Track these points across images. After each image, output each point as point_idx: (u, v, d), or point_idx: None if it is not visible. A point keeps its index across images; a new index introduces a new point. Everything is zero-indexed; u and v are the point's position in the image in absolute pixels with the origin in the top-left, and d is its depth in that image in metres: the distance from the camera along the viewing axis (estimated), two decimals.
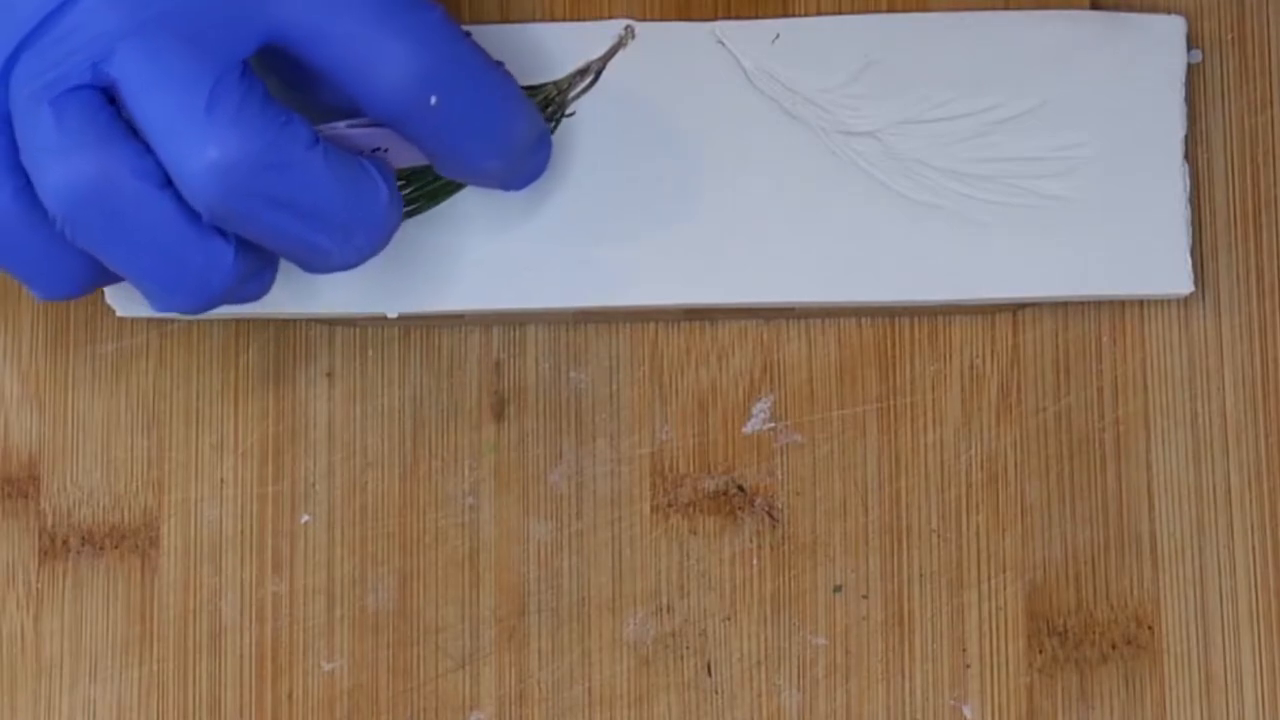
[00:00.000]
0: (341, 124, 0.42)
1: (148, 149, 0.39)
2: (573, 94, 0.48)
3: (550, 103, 0.47)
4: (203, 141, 0.38)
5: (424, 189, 0.47)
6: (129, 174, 0.39)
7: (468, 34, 0.42)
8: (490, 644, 0.48)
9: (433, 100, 0.41)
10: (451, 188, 0.47)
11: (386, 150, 0.43)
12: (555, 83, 0.48)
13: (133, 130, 0.39)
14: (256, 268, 0.42)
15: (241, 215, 0.39)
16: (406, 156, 0.43)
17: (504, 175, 0.45)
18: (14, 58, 0.39)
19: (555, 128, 0.48)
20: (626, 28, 0.48)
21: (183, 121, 0.38)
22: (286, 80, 0.43)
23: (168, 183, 0.39)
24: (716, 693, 0.48)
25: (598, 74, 0.48)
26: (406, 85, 0.40)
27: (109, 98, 0.39)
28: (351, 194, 0.41)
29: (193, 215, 0.39)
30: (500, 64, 0.43)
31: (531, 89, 0.47)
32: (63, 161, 0.38)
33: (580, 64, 0.48)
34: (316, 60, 0.40)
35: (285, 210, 0.39)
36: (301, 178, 0.39)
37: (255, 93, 0.39)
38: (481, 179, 0.44)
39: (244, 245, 0.41)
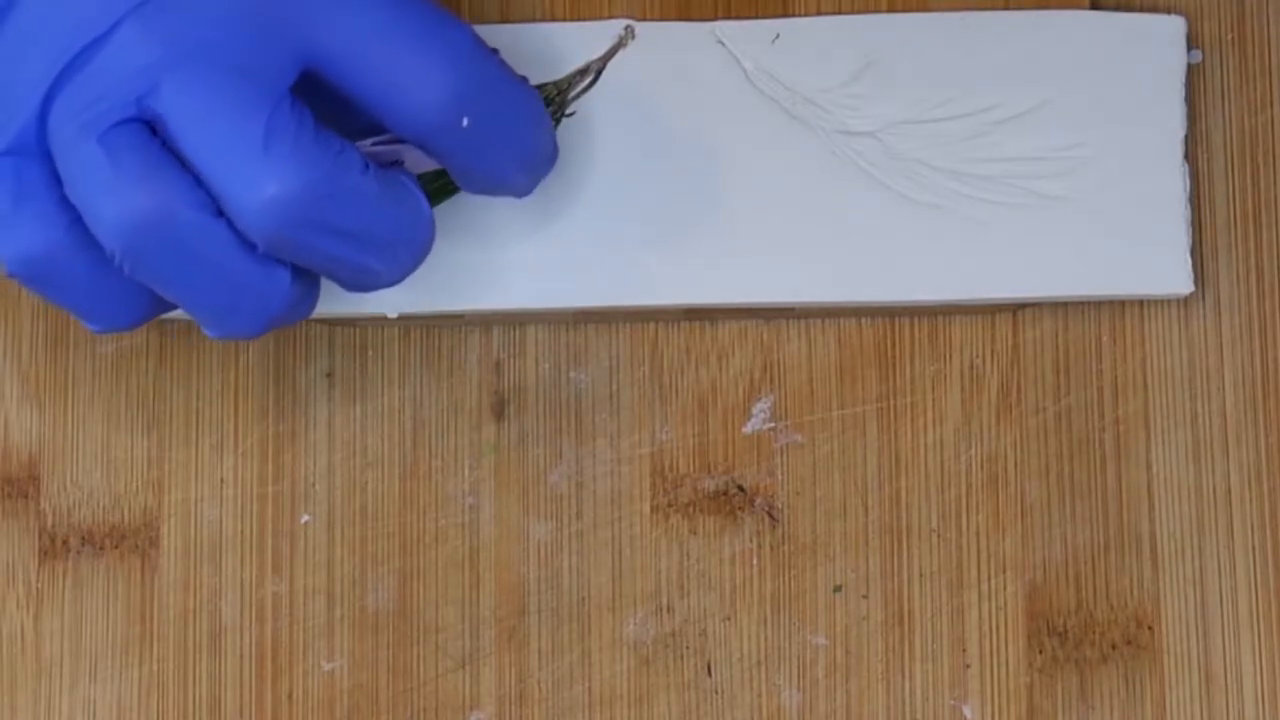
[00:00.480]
0: (367, 142, 0.42)
1: (198, 181, 0.39)
2: (573, 94, 0.48)
3: (550, 103, 0.47)
4: (262, 177, 0.38)
5: (424, 189, 0.47)
6: (185, 206, 0.38)
7: (495, 51, 0.42)
8: (490, 644, 0.48)
9: (465, 122, 0.41)
10: (451, 189, 0.47)
11: (402, 162, 0.43)
12: (555, 83, 0.48)
13: (181, 162, 0.39)
14: (310, 289, 0.42)
15: (298, 245, 0.39)
16: (420, 165, 0.43)
17: (524, 187, 0.45)
18: (51, 94, 0.39)
19: (555, 128, 0.48)
20: (626, 28, 0.48)
21: (240, 156, 0.38)
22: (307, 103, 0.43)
23: (222, 212, 0.39)
24: (716, 693, 0.48)
25: (598, 74, 0.48)
26: (440, 108, 0.40)
27: (153, 130, 0.39)
28: (400, 214, 0.41)
29: (250, 243, 0.39)
30: (524, 79, 0.43)
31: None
32: (118, 197, 0.38)
33: (580, 64, 0.48)
34: (351, 84, 0.40)
35: (340, 236, 0.40)
36: (356, 204, 0.40)
37: (307, 123, 0.39)
38: (503, 192, 0.44)
39: (299, 268, 0.41)
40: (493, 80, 0.41)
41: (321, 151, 0.39)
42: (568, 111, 0.48)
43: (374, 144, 0.42)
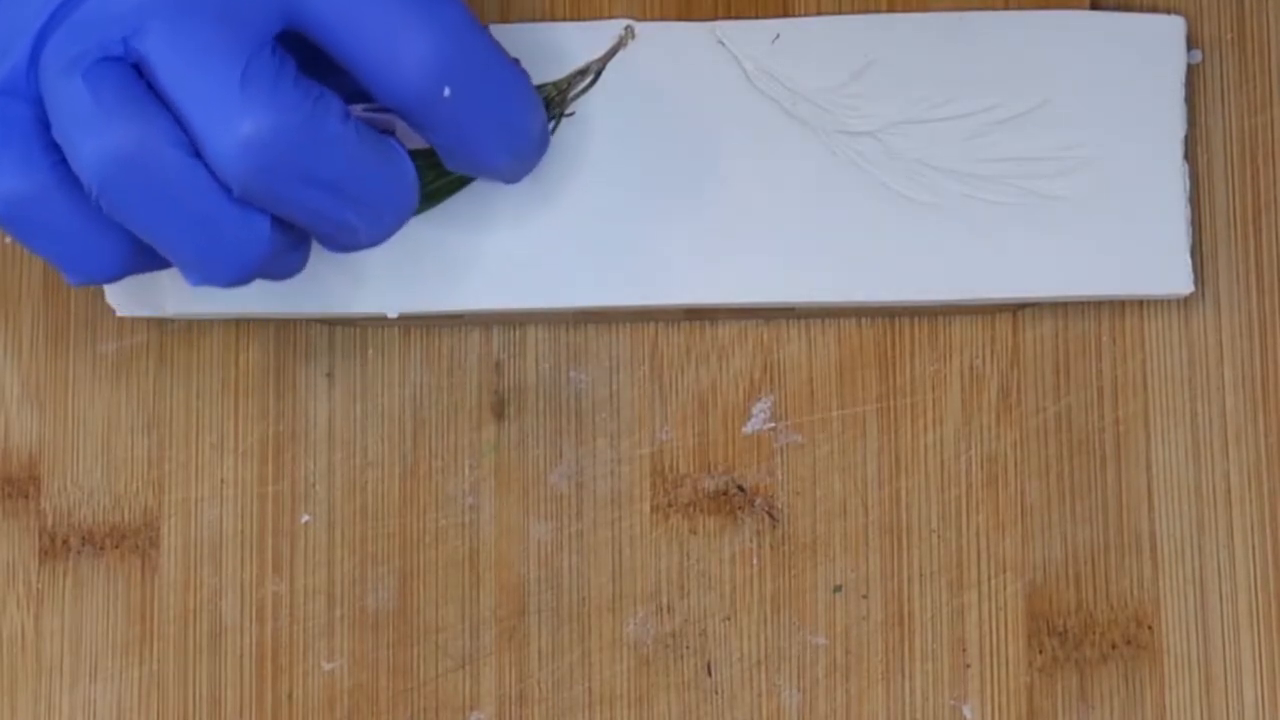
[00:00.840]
0: (357, 108, 0.42)
1: (179, 122, 0.39)
2: (572, 94, 0.48)
3: (550, 103, 0.47)
4: (238, 116, 0.38)
5: (424, 189, 0.47)
6: (164, 143, 0.38)
7: (485, 29, 0.42)
8: (490, 644, 0.48)
9: (446, 92, 0.41)
10: (451, 188, 0.47)
11: (394, 133, 0.43)
12: (555, 83, 0.48)
13: (163, 103, 0.39)
14: (293, 241, 0.42)
15: (273, 190, 0.39)
16: (409, 139, 0.43)
17: (510, 171, 0.45)
18: (42, 38, 0.39)
19: (555, 128, 0.48)
20: (626, 28, 0.48)
21: (217, 96, 0.38)
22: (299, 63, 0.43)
23: (200, 154, 0.39)
24: (716, 693, 0.48)
25: (597, 74, 0.48)
26: (422, 75, 0.40)
27: (138, 72, 0.39)
28: (381, 171, 0.41)
29: (227, 187, 0.39)
30: (515, 60, 0.43)
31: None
32: (99, 131, 0.38)
33: (580, 64, 0.48)
34: (333, 45, 0.40)
35: (317, 186, 0.40)
36: (334, 153, 0.39)
37: (288, 68, 0.39)
38: (487, 174, 0.45)
39: (281, 220, 0.41)
40: (479, 54, 0.41)
41: (300, 96, 0.39)
42: (567, 111, 0.48)
43: (364, 110, 0.42)
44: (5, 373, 0.50)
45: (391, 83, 0.40)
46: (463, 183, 0.47)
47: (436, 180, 0.47)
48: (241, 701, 0.48)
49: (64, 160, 0.39)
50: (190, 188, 0.39)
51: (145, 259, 0.42)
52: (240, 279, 0.41)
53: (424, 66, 0.40)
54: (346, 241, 0.42)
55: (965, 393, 0.49)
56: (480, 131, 0.43)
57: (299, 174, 0.39)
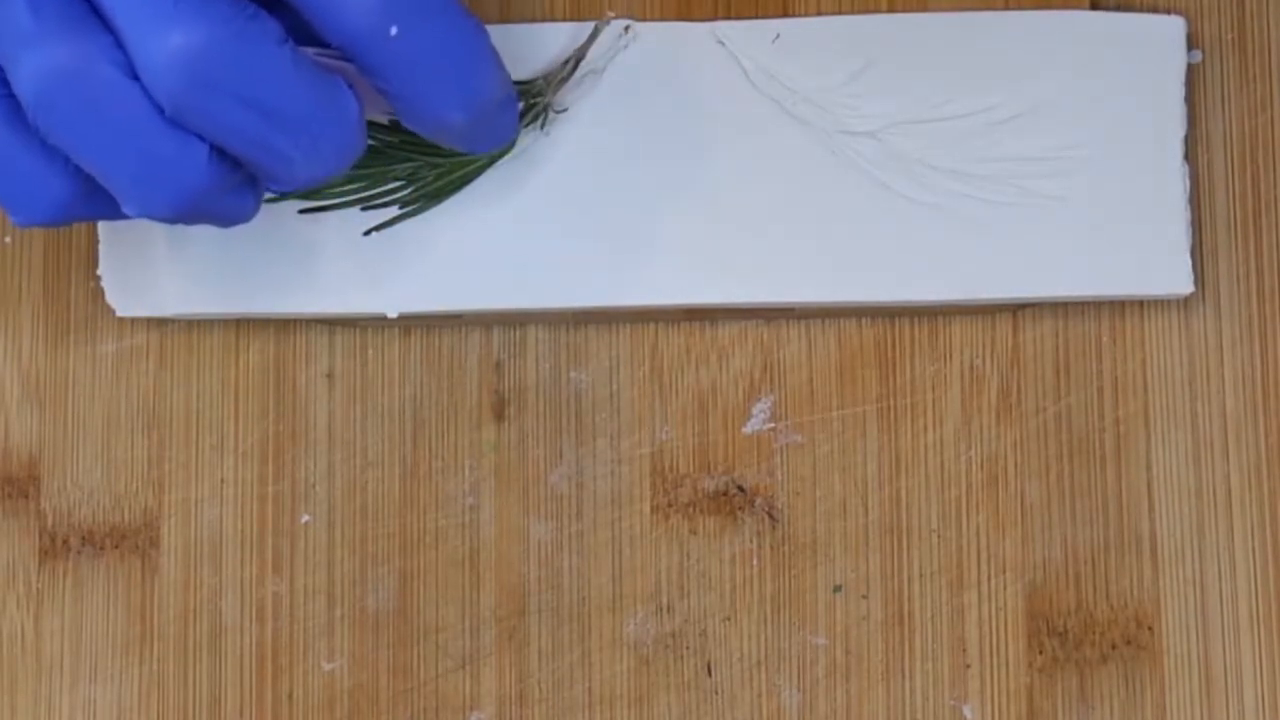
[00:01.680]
0: (310, 50, 0.41)
1: (118, 42, 0.38)
2: (558, 82, 0.47)
3: (540, 94, 0.47)
4: (167, 28, 0.37)
5: (424, 189, 0.47)
6: (101, 61, 0.38)
7: None
8: (490, 644, 0.48)
9: (393, 30, 0.39)
10: (452, 186, 0.47)
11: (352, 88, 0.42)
12: (545, 77, 0.48)
13: (104, 23, 0.38)
14: (235, 179, 0.41)
15: (204, 109, 0.38)
16: (371, 106, 0.42)
17: (466, 132, 0.43)
18: None
19: (545, 123, 0.47)
20: (609, 21, 0.48)
21: (150, 8, 0.38)
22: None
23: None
24: (716, 693, 0.48)
25: (577, 63, 0.48)
26: (367, 10, 0.39)
27: None
28: (319, 99, 0.40)
29: (163, 110, 0.39)
30: (474, 16, 0.42)
31: (521, 84, 0.47)
32: (37, 48, 0.38)
33: (565, 54, 0.48)
34: None
35: (250, 108, 0.39)
36: (267, 74, 0.39)
37: None
38: (443, 133, 0.43)
39: (221, 150, 0.40)
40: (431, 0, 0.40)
41: (235, 12, 0.38)
42: (558, 108, 0.48)
43: (317, 54, 0.41)
44: (5, 373, 0.50)
45: (337, 17, 0.39)
46: (464, 181, 0.47)
47: (436, 182, 0.47)
48: (241, 701, 0.48)
49: (8, 92, 0.39)
50: (124, 109, 0.38)
51: (90, 200, 0.41)
52: (179, 211, 0.40)
53: (370, 2, 0.39)
54: (284, 174, 0.41)
55: (965, 393, 0.49)
56: (430, 81, 0.41)
57: (230, 92, 0.38)
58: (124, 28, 0.38)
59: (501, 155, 0.48)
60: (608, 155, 0.48)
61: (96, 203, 0.41)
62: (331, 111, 0.40)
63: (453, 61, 0.41)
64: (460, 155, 0.47)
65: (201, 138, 0.39)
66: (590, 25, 0.48)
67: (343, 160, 0.41)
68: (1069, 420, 0.48)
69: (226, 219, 0.42)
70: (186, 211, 0.40)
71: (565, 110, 0.48)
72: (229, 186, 0.41)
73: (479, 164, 0.47)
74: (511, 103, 0.44)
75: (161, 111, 0.39)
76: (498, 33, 0.48)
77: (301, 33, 0.40)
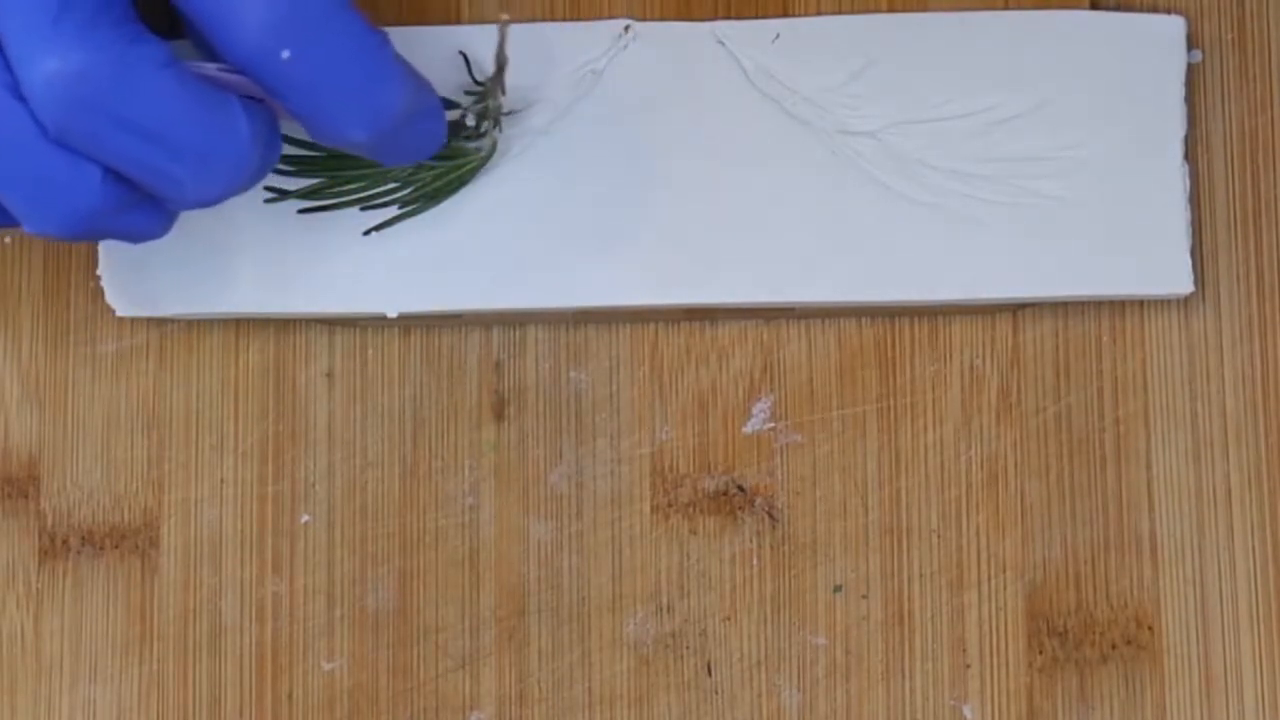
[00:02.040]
0: (212, 66, 0.41)
1: (6, 63, 0.38)
2: (496, 88, 0.47)
3: (486, 99, 0.47)
4: (45, 52, 0.37)
5: (423, 189, 0.47)
6: None
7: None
8: (490, 644, 0.48)
9: (285, 54, 0.39)
10: (450, 188, 0.47)
11: (263, 100, 0.42)
12: (489, 81, 0.47)
13: None
14: (134, 199, 0.41)
15: (85, 133, 0.38)
16: (287, 118, 0.42)
17: (375, 148, 0.43)
18: None
19: (497, 125, 0.47)
20: (507, 22, 0.47)
21: (30, 31, 0.38)
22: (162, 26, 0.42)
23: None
24: (716, 693, 0.48)
25: (502, 67, 0.47)
26: (258, 34, 0.39)
27: None
28: (205, 122, 0.40)
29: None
30: (380, 31, 0.41)
31: (471, 92, 0.47)
32: None
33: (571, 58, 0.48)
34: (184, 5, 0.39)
35: (132, 131, 0.39)
36: (149, 98, 0.39)
37: (112, 9, 0.38)
38: (352, 148, 0.43)
39: (117, 172, 0.40)
40: (325, 19, 0.40)
41: (115, 37, 0.38)
42: (506, 111, 0.47)
43: (220, 69, 0.41)
44: (5, 373, 0.49)
45: (228, 40, 0.39)
46: (463, 181, 0.47)
47: (434, 182, 0.47)
48: (241, 701, 0.48)
49: None
50: (12, 128, 0.38)
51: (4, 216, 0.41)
52: (75, 231, 0.40)
53: (260, 25, 0.39)
54: (175, 195, 0.41)
55: (965, 393, 0.49)
56: (329, 101, 0.41)
57: (111, 116, 0.38)
58: (8, 49, 0.38)
59: (487, 159, 0.47)
60: (608, 155, 0.48)
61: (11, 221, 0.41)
62: (220, 133, 0.40)
63: (350, 81, 0.41)
64: (459, 158, 0.47)
65: (94, 161, 0.39)
66: (601, 28, 0.48)
67: (236, 179, 0.41)
68: (1069, 420, 0.48)
69: (132, 237, 0.42)
70: (84, 231, 0.40)
71: (510, 113, 0.47)
72: (127, 206, 0.41)
73: (472, 165, 0.47)
74: (430, 113, 0.44)
75: (48, 133, 0.39)
76: (494, 32, 0.48)
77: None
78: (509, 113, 0.47)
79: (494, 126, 0.47)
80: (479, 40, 0.48)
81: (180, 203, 0.41)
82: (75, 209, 0.40)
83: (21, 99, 0.38)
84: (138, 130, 0.39)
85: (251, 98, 0.41)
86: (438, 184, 0.47)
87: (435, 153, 0.45)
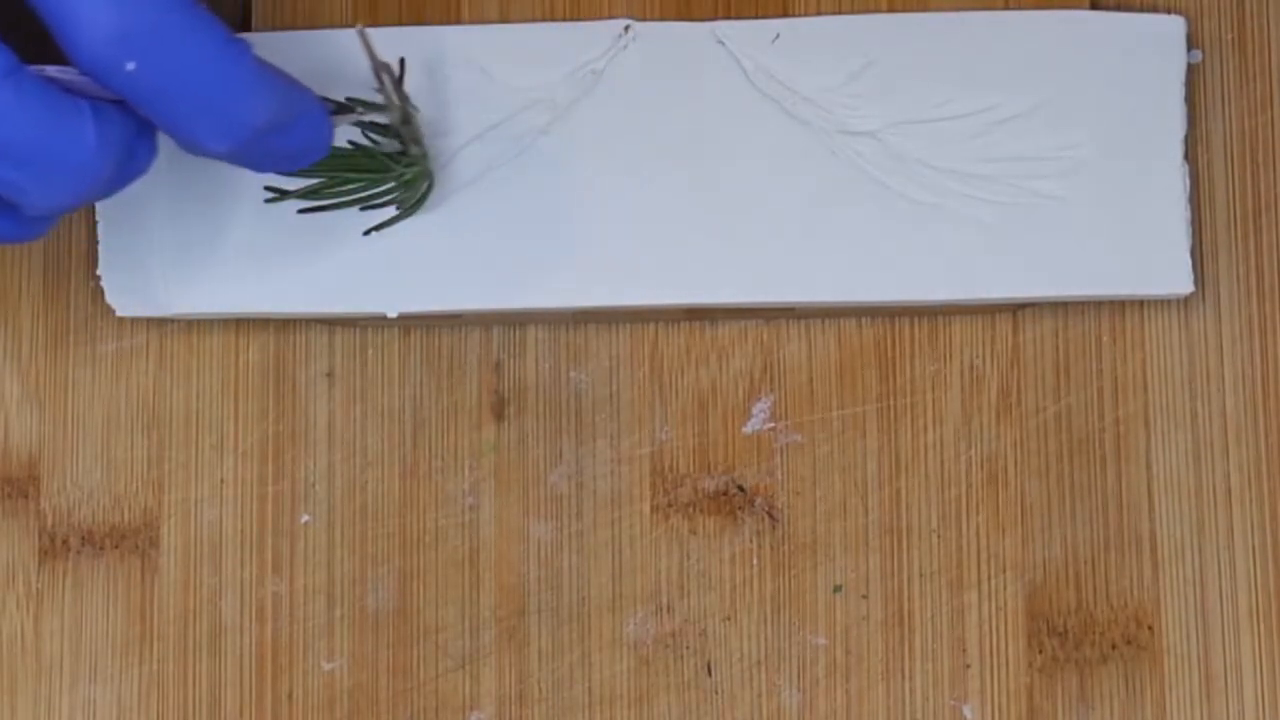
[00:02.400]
0: (71, 70, 0.40)
1: None
2: (392, 90, 0.46)
3: (388, 106, 0.46)
4: None
5: (423, 190, 0.47)
6: None
7: (201, 9, 0.40)
8: (490, 644, 0.48)
9: (130, 66, 0.38)
10: (421, 195, 0.47)
11: (120, 101, 0.41)
12: (384, 88, 0.46)
13: None
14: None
15: None
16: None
17: (239, 158, 0.42)
18: None
19: (406, 120, 0.46)
20: (361, 29, 0.46)
21: None
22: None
23: None
24: (716, 693, 0.48)
25: (378, 71, 0.46)
26: (101, 43, 0.38)
27: None
28: (48, 130, 0.39)
29: None
30: (240, 39, 0.40)
31: (361, 100, 0.46)
32: None
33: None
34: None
35: None
36: None
37: None
38: (202, 152, 0.42)
39: None
40: (172, 27, 0.39)
41: None
42: (413, 108, 0.46)
43: (81, 71, 0.40)
44: (5, 373, 0.49)
45: (72, 46, 0.39)
46: (427, 183, 0.47)
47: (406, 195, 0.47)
48: (241, 701, 0.48)
49: None
50: None
51: None
52: None
53: (103, 35, 0.38)
54: (21, 201, 0.40)
55: (965, 393, 0.49)
56: (181, 112, 0.40)
57: None
58: None
59: (419, 176, 0.47)
60: (607, 155, 0.48)
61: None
62: (64, 141, 0.39)
63: (204, 91, 0.40)
64: (383, 170, 0.46)
65: None
66: (601, 29, 0.48)
67: (84, 187, 0.40)
68: (1069, 420, 0.48)
69: (10, 240, 0.41)
70: None
71: (418, 110, 0.47)
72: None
73: (409, 178, 0.47)
74: (307, 121, 0.43)
75: None
76: (498, 32, 0.48)
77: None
78: (415, 109, 0.46)
79: (412, 138, 0.46)
80: (479, 40, 0.48)
81: (31, 209, 0.40)
82: None
83: None
84: None
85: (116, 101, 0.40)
86: (408, 197, 0.47)
87: (316, 161, 0.43)
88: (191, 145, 0.41)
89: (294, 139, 0.42)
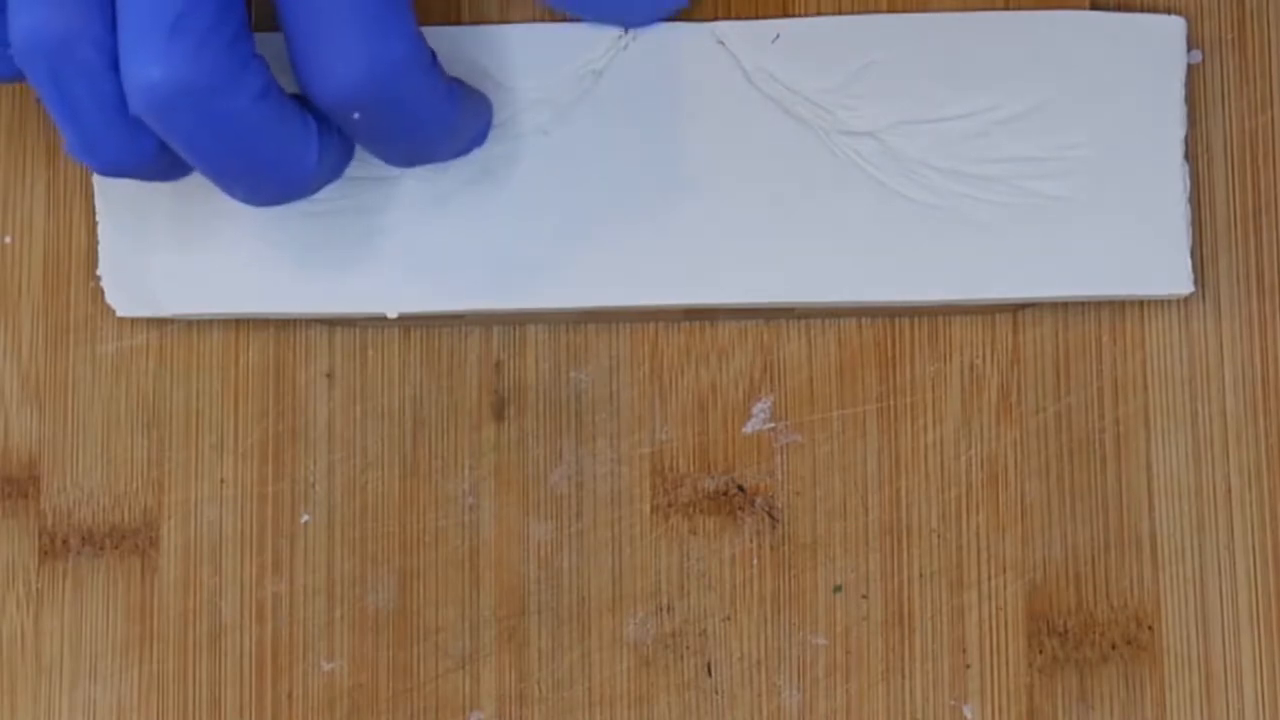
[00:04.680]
0: None
1: (114, 29, 0.40)
2: None
3: None
4: (152, 60, 0.39)
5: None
6: (87, 43, 0.40)
7: (429, 67, 0.42)
8: (490, 644, 0.48)
9: (355, 115, 0.41)
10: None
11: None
12: None
13: (111, 7, 0.40)
14: (176, 161, 0.42)
15: (160, 128, 0.40)
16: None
17: (406, 167, 0.46)
18: None
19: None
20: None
21: (145, 33, 0.39)
22: None
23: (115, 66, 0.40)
24: (716, 693, 0.48)
25: None
26: (336, 94, 0.41)
27: None
28: (281, 147, 0.42)
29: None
30: (453, 82, 0.44)
31: None
32: (30, 8, 0.40)
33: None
34: (285, 28, 0.41)
35: (206, 143, 0.40)
36: (234, 122, 0.40)
37: (227, 26, 0.40)
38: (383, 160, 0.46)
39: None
40: (401, 95, 0.42)
41: (223, 62, 0.39)
42: None
43: None
44: (5, 373, 0.50)
45: (308, 85, 0.41)
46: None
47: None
48: (241, 701, 0.48)
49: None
50: (93, 94, 0.40)
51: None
52: (114, 174, 0.42)
53: (340, 90, 0.41)
54: (226, 191, 0.43)
55: (965, 393, 0.49)
56: (382, 150, 0.44)
57: (188, 128, 0.40)
58: (119, 33, 0.40)
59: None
60: (607, 155, 0.48)
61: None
62: (291, 158, 0.42)
63: (408, 143, 0.44)
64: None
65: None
66: (600, 30, 0.48)
67: (288, 196, 0.43)
68: (1069, 420, 0.48)
69: (155, 180, 0.44)
70: (112, 173, 0.42)
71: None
72: (167, 168, 0.43)
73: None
74: (480, 132, 0.47)
75: (123, 105, 0.40)
76: (499, 32, 0.48)
77: None
78: None
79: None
80: (479, 41, 0.48)
81: (227, 196, 0.43)
82: (120, 163, 0.42)
83: (115, 69, 0.40)
84: (212, 142, 0.40)
85: None
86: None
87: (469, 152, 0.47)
88: (382, 160, 0.45)
89: (464, 150, 0.47)
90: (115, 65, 0.40)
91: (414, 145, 0.44)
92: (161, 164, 0.42)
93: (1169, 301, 0.48)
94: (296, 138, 0.42)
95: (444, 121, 0.44)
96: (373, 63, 0.41)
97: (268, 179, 0.42)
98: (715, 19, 0.49)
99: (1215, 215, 0.49)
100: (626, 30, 0.48)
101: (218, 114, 0.40)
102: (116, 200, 0.48)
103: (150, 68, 0.39)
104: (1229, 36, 0.49)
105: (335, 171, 0.44)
